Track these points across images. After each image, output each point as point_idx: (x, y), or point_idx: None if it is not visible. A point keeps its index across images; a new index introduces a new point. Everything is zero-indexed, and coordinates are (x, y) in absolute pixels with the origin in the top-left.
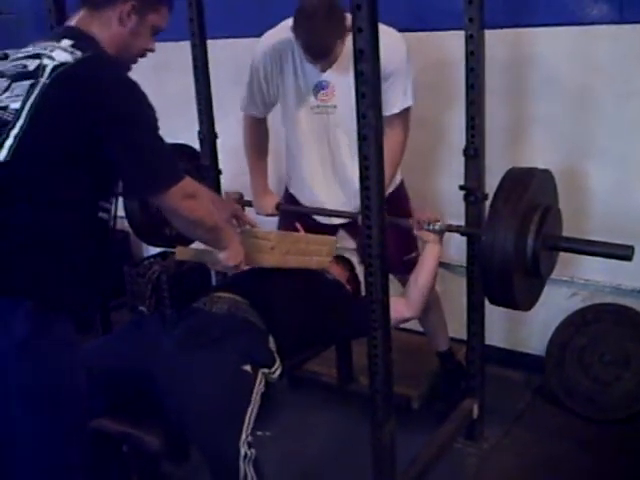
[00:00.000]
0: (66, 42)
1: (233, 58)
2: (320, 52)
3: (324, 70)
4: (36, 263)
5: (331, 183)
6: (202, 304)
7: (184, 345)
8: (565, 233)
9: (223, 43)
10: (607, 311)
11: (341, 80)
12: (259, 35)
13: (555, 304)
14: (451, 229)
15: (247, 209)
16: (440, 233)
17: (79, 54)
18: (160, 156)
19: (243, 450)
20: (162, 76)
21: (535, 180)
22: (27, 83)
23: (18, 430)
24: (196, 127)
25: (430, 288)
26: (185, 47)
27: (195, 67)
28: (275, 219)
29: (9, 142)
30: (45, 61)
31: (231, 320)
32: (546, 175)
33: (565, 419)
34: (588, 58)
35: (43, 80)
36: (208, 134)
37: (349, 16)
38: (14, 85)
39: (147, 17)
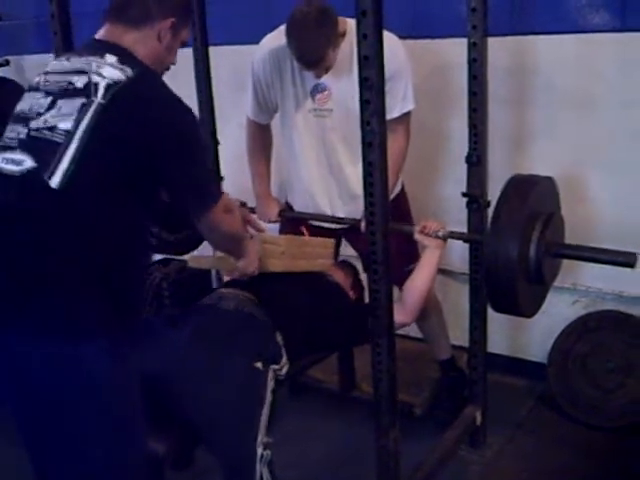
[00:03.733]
0: (111, 58)
1: (234, 65)
2: (311, 61)
3: (319, 76)
4: (100, 299)
5: (328, 186)
6: (208, 301)
7: (193, 346)
8: (569, 242)
9: (224, 50)
10: (609, 318)
11: (338, 84)
12: (260, 42)
13: (557, 311)
14: (454, 236)
15: None
16: (443, 239)
17: (129, 71)
18: (207, 176)
19: (259, 451)
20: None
21: (538, 187)
22: (78, 102)
23: (105, 459)
24: None
25: (426, 293)
26: (183, 54)
27: (197, 73)
28: (277, 225)
29: (63, 166)
30: (95, 78)
31: (238, 316)
32: (548, 182)
33: (568, 427)
34: (590, 66)
35: (98, 100)
36: (210, 141)
37: (349, 21)
38: (60, 103)
39: (181, 33)
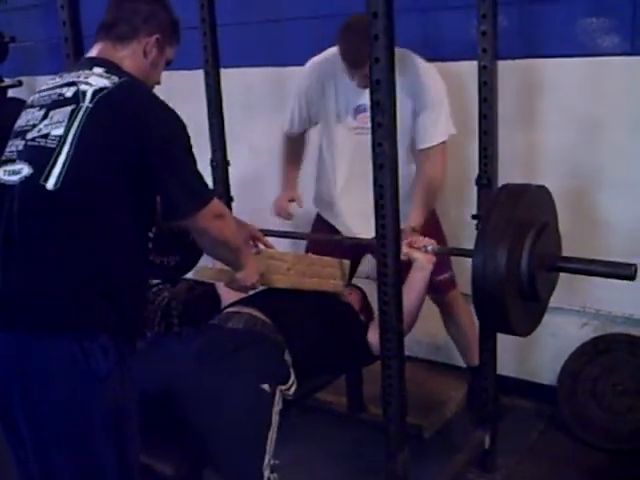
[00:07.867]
0: (98, 69)
1: (244, 87)
2: (355, 59)
3: (361, 86)
4: (100, 296)
5: (359, 205)
6: (217, 321)
7: (199, 363)
8: None
9: (234, 72)
10: (619, 341)
11: None
12: (271, 64)
13: (566, 334)
14: (443, 251)
15: None
16: (432, 254)
17: (116, 79)
18: (196, 177)
19: (266, 474)
20: (173, 104)
21: (530, 195)
22: (68, 109)
23: (103, 458)
24: (206, 154)
25: (416, 310)
26: (195, 76)
27: (208, 95)
28: (287, 241)
29: (57, 170)
30: (83, 87)
31: (246, 335)
32: (542, 191)
33: (577, 449)
34: (599, 89)
35: (86, 104)
36: (221, 161)
37: (401, 50)
38: (52, 113)
39: (165, 50)
